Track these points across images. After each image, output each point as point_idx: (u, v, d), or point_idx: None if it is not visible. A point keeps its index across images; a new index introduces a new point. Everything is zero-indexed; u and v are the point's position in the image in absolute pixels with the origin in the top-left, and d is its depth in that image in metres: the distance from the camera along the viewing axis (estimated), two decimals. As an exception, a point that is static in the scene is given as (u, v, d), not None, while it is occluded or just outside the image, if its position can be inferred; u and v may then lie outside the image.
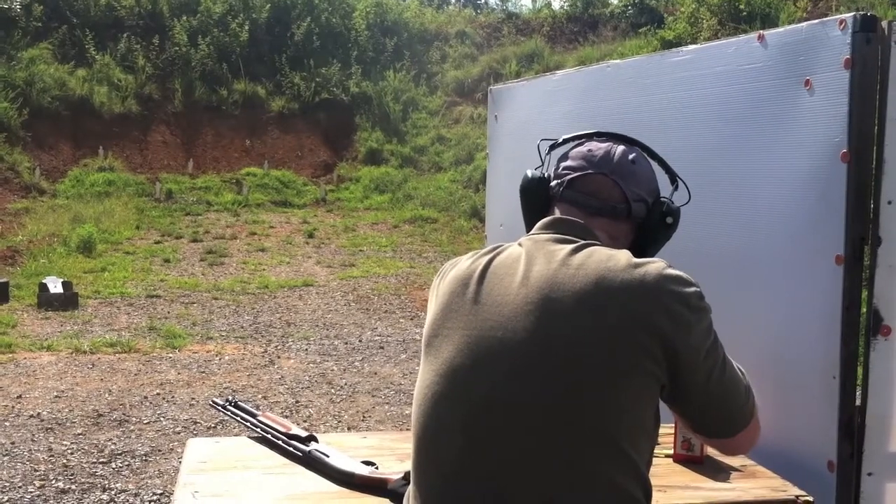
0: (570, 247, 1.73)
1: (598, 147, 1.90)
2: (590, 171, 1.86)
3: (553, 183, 1.90)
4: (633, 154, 1.90)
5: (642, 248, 1.88)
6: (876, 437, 2.13)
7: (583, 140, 1.95)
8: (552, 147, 2.02)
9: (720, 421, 1.77)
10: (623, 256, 1.68)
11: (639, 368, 1.61)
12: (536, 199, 1.92)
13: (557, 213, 1.85)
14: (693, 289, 1.67)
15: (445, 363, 1.70)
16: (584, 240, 1.76)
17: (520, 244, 1.80)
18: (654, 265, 1.66)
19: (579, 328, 1.61)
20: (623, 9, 22.50)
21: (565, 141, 2.00)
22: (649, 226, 1.89)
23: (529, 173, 1.96)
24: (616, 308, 1.61)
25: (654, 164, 1.97)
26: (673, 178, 1.99)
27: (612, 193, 1.85)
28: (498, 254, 1.79)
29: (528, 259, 1.73)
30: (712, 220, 2.50)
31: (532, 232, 1.85)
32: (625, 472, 1.61)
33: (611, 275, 1.64)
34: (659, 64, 2.89)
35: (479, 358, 1.67)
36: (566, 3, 23.80)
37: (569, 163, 1.90)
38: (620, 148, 1.89)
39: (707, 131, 2.61)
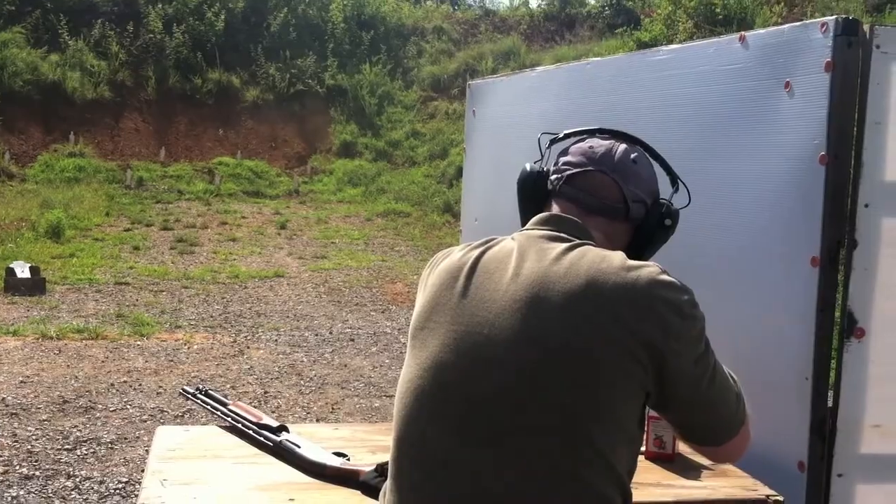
0: (563, 245, 1.69)
1: (599, 144, 1.86)
2: (590, 168, 1.83)
3: (552, 177, 1.87)
4: (635, 154, 1.86)
5: (639, 249, 1.85)
6: (847, 438, 2.15)
7: (585, 136, 1.92)
8: (553, 141, 1.98)
9: (708, 429, 1.74)
10: (616, 258, 1.64)
11: (624, 374, 1.58)
12: (533, 193, 1.88)
13: (555, 209, 1.82)
14: (686, 296, 1.63)
15: (430, 358, 1.67)
16: (579, 238, 1.72)
17: (513, 238, 1.76)
18: (648, 269, 1.63)
19: (566, 329, 1.58)
20: (600, 9, 22.57)
21: (567, 136, 1.96)
22: (647, 227, 1.86)
23: (528, 167, 1.92)
24: (605, 311, 1.58)
25: (657, 165, 1.93)
26: (674, 179, 1.95)
27: (610, 193, 1.81)
28: (490, 247, 1.75)
29: (519, 255, 1.69)
30: (688, 221, 2.48)
31: (526, 227, 1.81)
32: (603, 477, 1.58)
33: (602, 277, 1.60)
34: (639, 63, 2.89)
35: (464, 354, 1.63)
36: (543, 2, 23.85)
37: (569, 158, 1.87)
38: (622, 147, 1.86)
39: (685, 131, 2.61)
